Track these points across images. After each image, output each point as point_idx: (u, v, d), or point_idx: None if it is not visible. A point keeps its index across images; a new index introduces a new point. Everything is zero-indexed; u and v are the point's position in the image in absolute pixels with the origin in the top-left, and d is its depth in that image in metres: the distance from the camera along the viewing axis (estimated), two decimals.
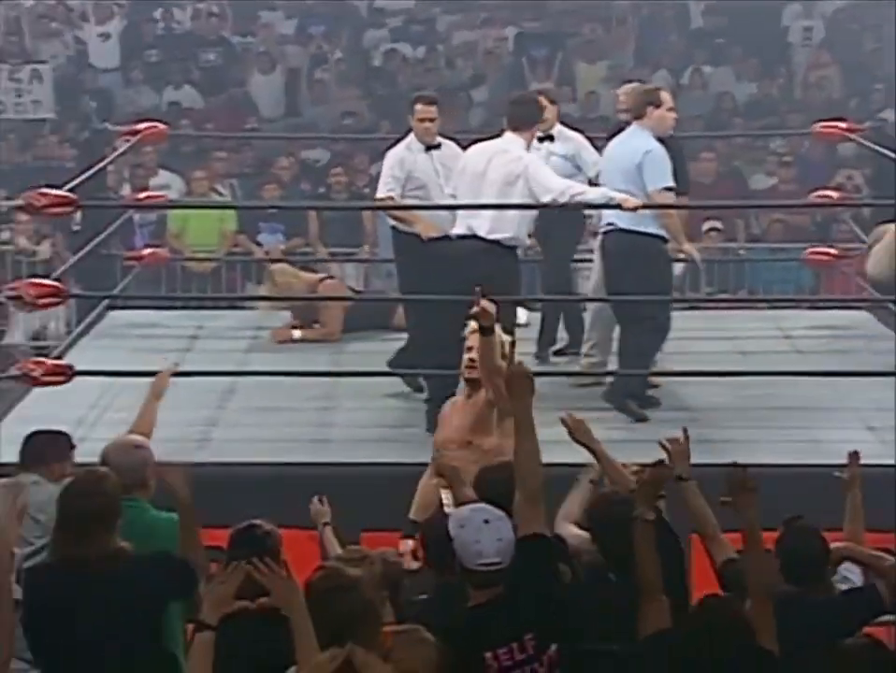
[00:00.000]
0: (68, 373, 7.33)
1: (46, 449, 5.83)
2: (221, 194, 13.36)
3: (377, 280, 12.74)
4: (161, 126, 9.96)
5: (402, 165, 8.06)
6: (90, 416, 7.69)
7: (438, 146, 8.14)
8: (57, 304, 7.76)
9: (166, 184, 13.10)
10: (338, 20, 16.78)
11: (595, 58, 16.12)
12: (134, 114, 13.36)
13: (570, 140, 8.72)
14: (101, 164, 9.26)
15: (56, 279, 7.85)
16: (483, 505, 4.52)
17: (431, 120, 8.12)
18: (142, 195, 10.09)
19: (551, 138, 8.63)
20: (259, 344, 9.30)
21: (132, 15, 16.66)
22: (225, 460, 7.16)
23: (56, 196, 7.43)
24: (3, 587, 4.20)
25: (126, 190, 12.78)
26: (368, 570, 4.47)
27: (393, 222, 8.26)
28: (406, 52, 16.33)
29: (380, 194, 8.21)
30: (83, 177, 8.60)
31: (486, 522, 4.36)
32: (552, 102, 8.69)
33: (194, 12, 16.69)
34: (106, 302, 9.68)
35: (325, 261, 12.17)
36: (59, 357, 8.20)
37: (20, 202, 7.56)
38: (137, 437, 5.66)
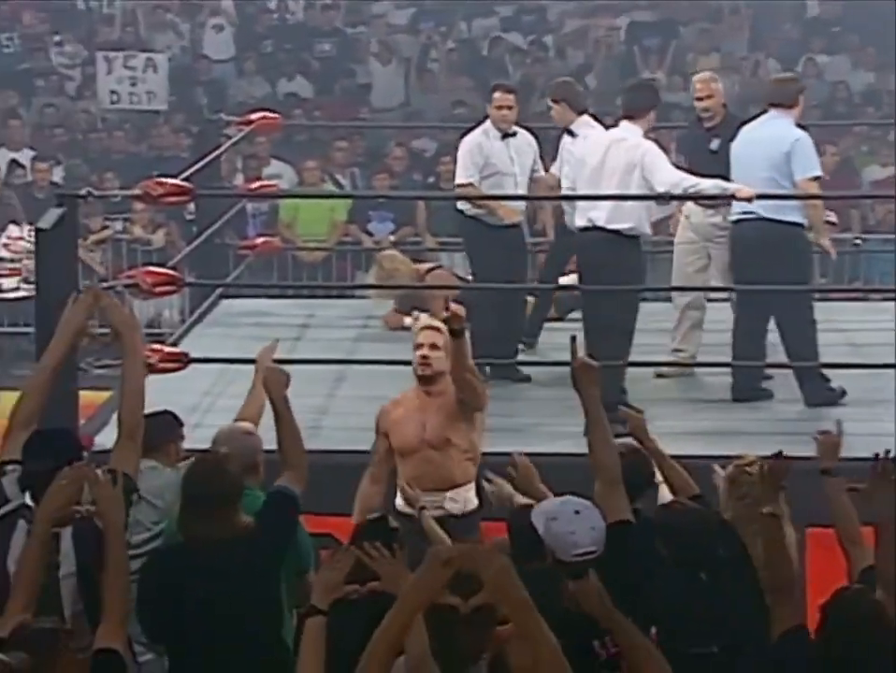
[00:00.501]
0: (183, 360, 7.42)
1: (158, 432, 5.82)
2: (339, 184, 13.44)
3: None
4: (274, 116, 10.04)
5: (480, 151, 8.19)
6: (204, 403, 7.77)
7: (514, 134, 8.28)
8: (173, 292, 7.86)
9: (278, 174, 13.21)
10: (448, 10, 16.81)
11: (708, 48, 15.99)
12: (247, 105, 13.50)
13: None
14: (215, 154, 9.36)
15: (171, 268, 7.97)
16: (567, 497, 4.53)
17: (509, 108, 8.24)
18: (255, 185, 10.17)
19: (571, 133, 8.56)
20: (369, 332, 9.35)
21: (246, 6, 16.82)
22: (335, 448, 7.20)
23: (173, 186, 7.52)
24: (118, 543, 4.26)
25: (239, 179, 12.91)
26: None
27: (464, 207, 8.33)
28: (516, 42, 16.33)
29: (460, 181, 8.33)
30: (198, 166, 8.71)
31: (577, 512, 4.38)
32: (562, 100, 8.52)
33: (307, 3, 16.81)
34: (219, 290, 9.78)
35: (434, 250, 12.20)
36: (174, 344, 8.30)
37: (137, 191, 7.66)
38: (247, 424, 5.72)
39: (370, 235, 12.90)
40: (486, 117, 8.38)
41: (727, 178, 7.77)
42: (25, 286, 12.63)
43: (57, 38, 16.26)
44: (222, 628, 4.61)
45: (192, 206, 10.95)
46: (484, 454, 6.31)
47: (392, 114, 15.42)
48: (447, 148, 13.81)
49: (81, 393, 7.29)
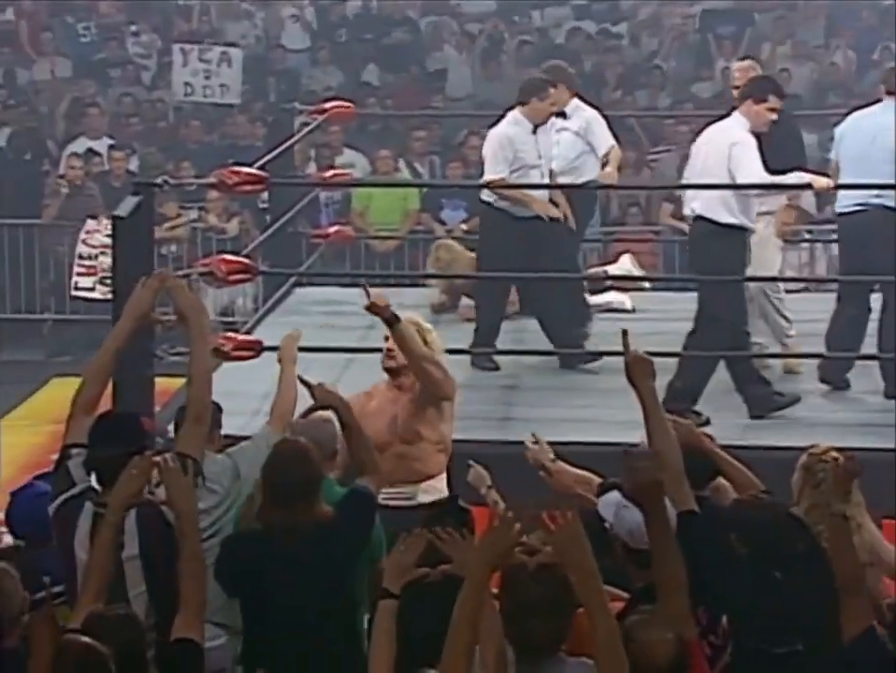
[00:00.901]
0: (257, 348, 7.45)
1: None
2: (418, 173, 13.45)
3: None
4: (348, 105, 10.06)
5: (511, 145, 8.21)
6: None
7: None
8: (247, 280, 7.90)
9: (351, 163, 13.23)
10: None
11: (783, 35, 15.85)
12: (320, 94, 13.54)
13: (583, 116, 8.70)
14: (288, 143, 9.39)
15: (246, 256, 8.00)
16: None
17: (553, 103, 8.31)
18: (328, 174, 10.19)
19: (563, 115, 8.62)
20: (440, 321, 9.35)
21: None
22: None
23: (248, 174, 7.56)
24: (192, 532, 4.28)
25: (312, 168, 12.95)
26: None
27: (490, 199, 8.33)
28: (589, 30, 16.27)
29: (490, 176, 8.25)
30: (272, 155, 8.74)
31: None
32: (559, 82, 8.55)
33: None
34: (292, 279, 9.82)
35: None
36: (248, 332, 8.34)
37: (212, 180, 7.70)
38: (325, 413, 5.73)
39: (443, 223, 12.90)
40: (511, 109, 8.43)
41: (775, 167, 7.66)
42: (100, 287, 12.75)
43: (133, 28, 16.37)
44: (297, 615, 4.64)
45: (265, 194, 11.00)
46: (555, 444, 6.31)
47: (462, 103, 15.40)
48: None
49: (157, 379, 7.33)
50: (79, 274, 12.92)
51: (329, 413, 5.72)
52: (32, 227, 13.09)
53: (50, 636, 3.69)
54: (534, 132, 8.29)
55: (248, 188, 7.64)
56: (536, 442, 5.56)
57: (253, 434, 5.64)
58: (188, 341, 4.93)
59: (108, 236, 12.24)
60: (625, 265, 9.93)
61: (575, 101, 8.75)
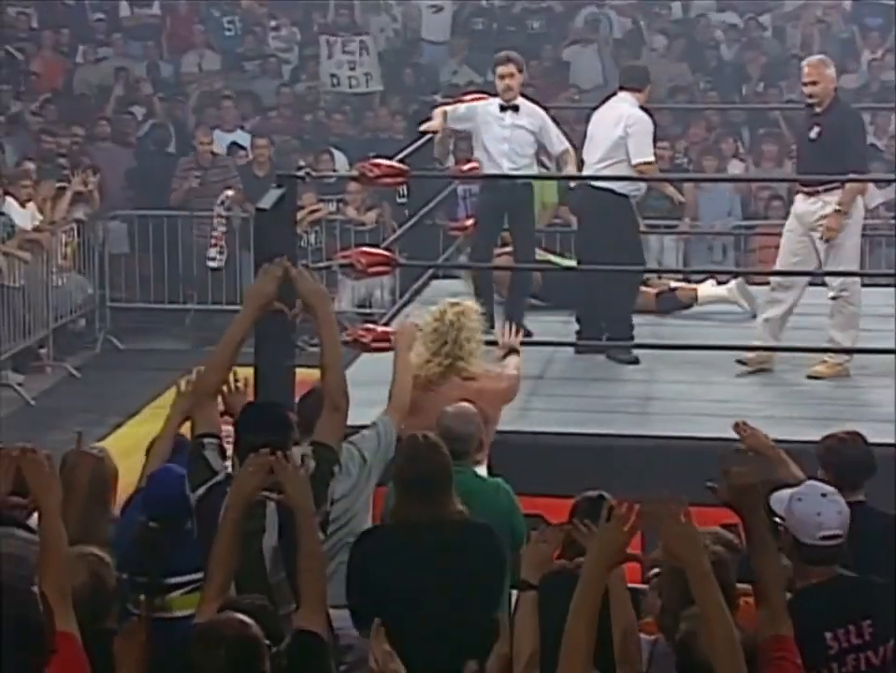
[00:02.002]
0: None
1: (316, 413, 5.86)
2: (546, 167, 13.41)
3: (698, 254, 12.63)
4: (488, 97, 10.05)
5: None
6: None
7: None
8: (387, 272, 7.95)
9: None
10: None
11: None
12: (462, 87, 13.55)
13: (535, 114, 8.65)
14: (428, 136, 9.42)
15: (385, 248, 8.05)
16: (811, 481, 4.44)
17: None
18: (466, 167, 10.19)
19: (516, 109, 8.58)
20: None
21: None
22: (544, 430, 7.22)
23: (389, 167, 7.60)
24: (309, 527, 4.31)
25: (451, 161, 12.97)
26: (727, 551, 4.33)
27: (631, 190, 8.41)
28: (731, 21, 16.12)
29: (648, 158, 8.29)
30: (411, 148, 8.78)
31: (824, 495, 4.29)
32: (519, 70, 8.63)
33: None
34: (430, 271, 9.86)
35: (645, 233, 12.09)
36: (386, 324, 8.39)
37: (354, 172, 7.75)
38: (471, 406, 5.73)
39: None
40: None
41: (823, 169, 7.71)
42: (219, 257, 13.01)
43: (273, 23, 16.55)
44: (430, 606, 4.62)
45: (403, 187, 11.05)
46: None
47: (595, 94, 15.33)
48: (662, 131, 13.71)
49: (298, 370, 7.40)
50: (212, 246, 13.15)
51: (473, 407, 5.74)
52: (175, 218, 13.30)
53: (142, 632, 3.77)
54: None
55: (388, 180, 7.69)
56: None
57: (372, 421, 5.64)
58: (315, 329, 4.87)
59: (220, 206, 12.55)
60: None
61: (521, 99, 8.73)
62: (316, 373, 7.69)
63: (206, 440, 4.76)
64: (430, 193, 10.03)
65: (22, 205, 12.27)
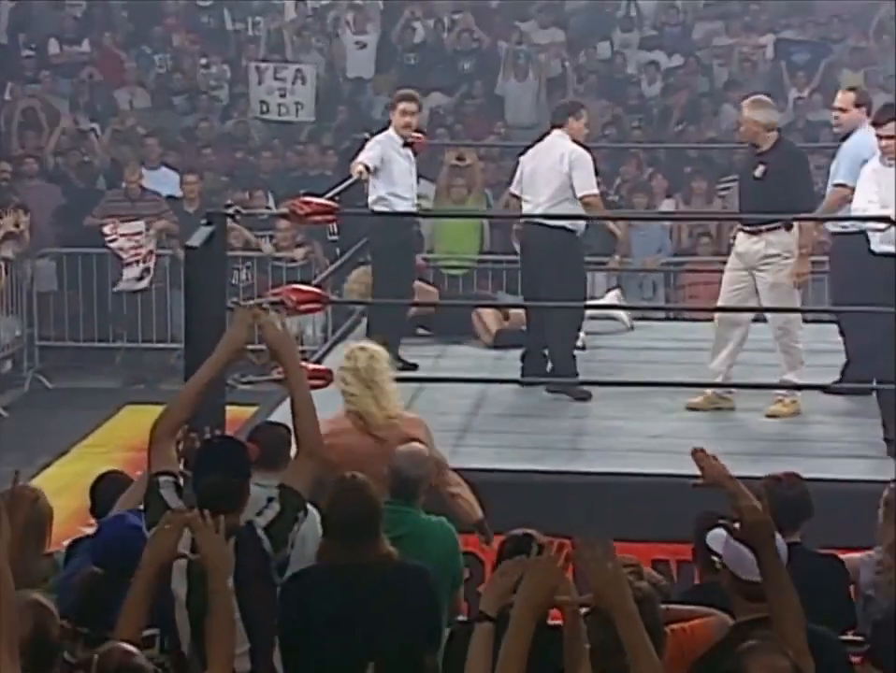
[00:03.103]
0: (328, 378, 7.46)
1: (278, 446, 5.76)
2: (489, 202, 13.46)
3: (629, 290, 12.69)
4: (421, 136, 10.08)
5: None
6: None
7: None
8: (318, 310, 7.93)
9: (424, 194, 13.25)
10: (593, 26, 16.80)
11: (859, 65, 15.77)
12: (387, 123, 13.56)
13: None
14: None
15: (316, 286, 8.04)
16: None
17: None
18: None
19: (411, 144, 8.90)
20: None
21: (386, 24, 16.95)
22: (477, 466, 7.21)
23: (319, 205, 7.60)
24: (222, 588, 4.28)
25: None
26: (650, 586, 4.35)
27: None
28: (660, 60, 16.27)
29: (591, 192, 8.43)
30: (343, 186, 8.78)
31: None
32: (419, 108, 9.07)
33: (450, 23, 16.89)
34: (361, 308, 9.85)
35: None
36: (318, 362, 8.37)
37: (284, 210, 7.74)
38: (423, 448, 5.72)
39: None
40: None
41: (767, 208, 7.78)
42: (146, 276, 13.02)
43: (203, 61, 16.51)
44: (364, 652, 4.58)
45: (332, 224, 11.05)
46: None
47: (526, 132, 15.41)
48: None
49: (228, 407, 7.37)
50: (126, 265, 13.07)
51: (425, 448, 5.71)
52: (104, 255, 13.21)
53: None
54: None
55: (318, 218, 7.68)
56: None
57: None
58: (284, 376, 4.84)
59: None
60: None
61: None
62: (246, 411, 7.72)
63: (162, 478, 4.72)
64: (361, 230, 10.03)
65: None
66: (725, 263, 13.10)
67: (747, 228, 8.01)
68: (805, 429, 7.83)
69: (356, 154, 8.99)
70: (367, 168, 8.62)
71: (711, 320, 8.56)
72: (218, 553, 4.27)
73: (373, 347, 6.34)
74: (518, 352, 8.62)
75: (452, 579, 5.15)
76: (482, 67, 16.36)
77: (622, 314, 9.70)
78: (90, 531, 5.28)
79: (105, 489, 5.49)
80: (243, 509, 4.64)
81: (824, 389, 8.13)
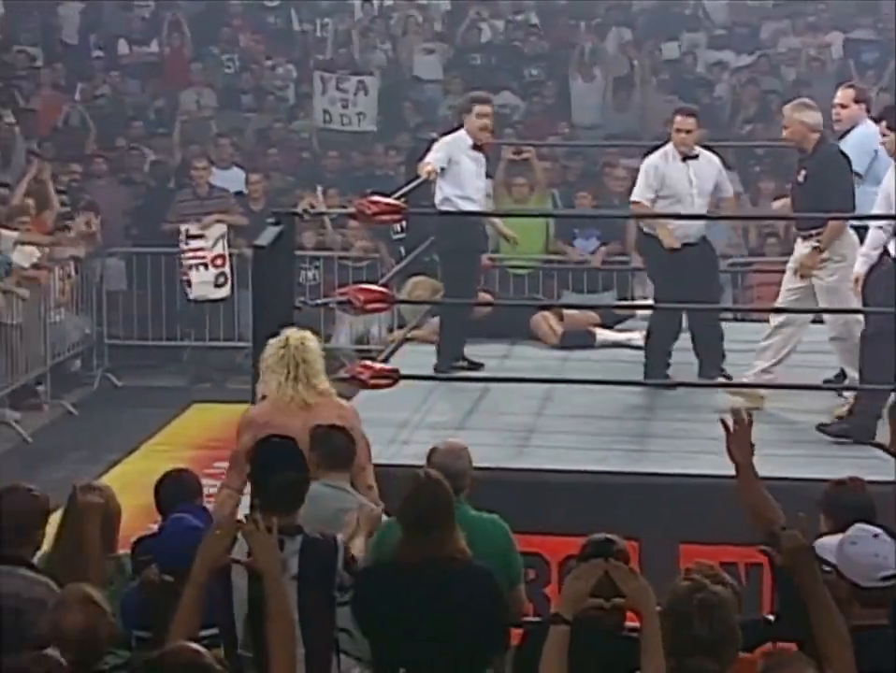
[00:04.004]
0: (395, 377, 7.50)
1: (345, 447, 5.81)
2: (555, 201, 13.43)
3: None
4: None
5: (656, 173, 8.46)
6: (413, 419, 7.85)
7: (695, 156, 8.47)
8: (384, 309, 7.97)
9: (487, 192, 13.24)
10: (661, 26, 16.75)
11: None
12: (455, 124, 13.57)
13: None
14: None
15: (382, 285, 8.07)
16: (858, 524, 4.41)
17: (688, 131, 8.47)
18: None
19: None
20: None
21: (452, 25, 16.96)
22: (541, 467, 7.22)
23: (386, 204, 7.63)
24: (277, 590, 4.29)
25: None
26: (729, 590, 4.30)
27: (646, 228, 8.62)
28: (728, 59, 16.20)
29: (634, 198, 8.62)
30: (410, 186, 8.81)
31: (876, 535, 4.27)
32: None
33: (517, 22, 16.90)
34: (428, 307, 9.87)
35: (639, 269, 12.12)
36: (384, 361, 8.40)
37: (351, 209, 7.77)
38: (461, 442, 5.75)
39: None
40: (668, 140, 8.67)
41: (812, 209, 7.86)
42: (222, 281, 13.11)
43: (269, 63, 16.60)
44: (432, 648, 4.62)
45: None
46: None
47: (590, 132, 15.38)
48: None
49: None
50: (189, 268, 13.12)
51: (464, 443, 5.74)
52: (172, 255, 13.31)
53: None
54: (683, 161, 8.48)
55: (386, 217, 7.71)
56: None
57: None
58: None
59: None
60: None
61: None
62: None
63: None
64: (427, 229, 10.05)
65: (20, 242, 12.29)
66: None
67: (801, 233, 8.07)
68: None
69: (423, 155, 9.00)
70: (435, 170, 8.63)
71: None
72: (269, 557, 4.29)
73: (304, 332, 6.44)
74: (583, 353, 8.62)
75: (506, 577, 5.14)
76: (549, 67, 16.35)
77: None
78: (156, 528, 5.33)
79: (170, 487, 5.52)
80: (300, 510, 4.68)
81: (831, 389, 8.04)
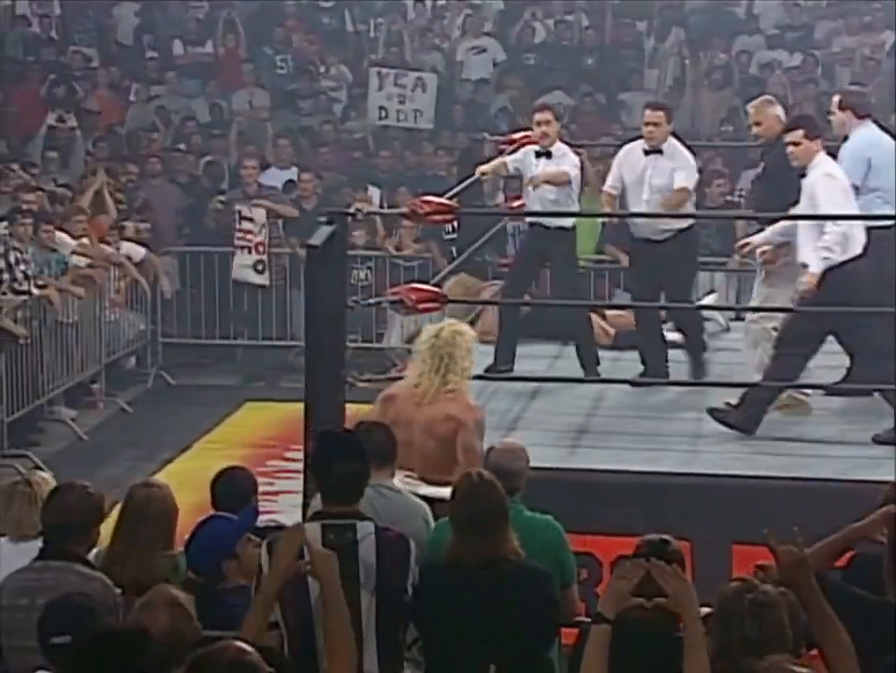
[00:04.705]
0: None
1: (387, 446, 5.76)
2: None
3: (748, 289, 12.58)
4: (528, 136, 10.09)
5: (618, 164, 8.57)
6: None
7: (659, 151, 8.41)
8: (436, 309, 7.98)
9: None
10: (714, 26, 16.69)
11: None
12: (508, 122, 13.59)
13: (566, 161, 8.72)
14: (476, 176, 9.46)
15: (435, 285, 8.09)
16: None
17: (655, 125, 8.45)
18: (516, 203, 10.23)
19: (549, 155, 8.71)
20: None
21: (505, 24, 16.95)
22: (596, 467, 7.22)
23: (439, 204, 7.66)
24: (336, 595, 4.33)
25: (500, 198, 13.01)
26: (783, 591, 4.27)
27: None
28: (782, 59, 16.12)
29: (604, 188, 8.68)
30: (462, 185, 8.84)
31: None
32: (556, 118, 8.81)
33: (570, 22, 16.89)
34: (478, 308, 9.89)
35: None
36: None
37: (405, 209, 7.80)
38: (517, 442, 5.77)
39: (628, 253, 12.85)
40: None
41: (768, 201, 7.91)
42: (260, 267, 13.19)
43: (324, 62, 16.64)
44: (482, 647, 4.64)
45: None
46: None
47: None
48: (713, 165, 13.66)
49: (348, 405, 7.45)
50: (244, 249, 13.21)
51: (520, 444, 5.76)
52: (225, 254, 13.39)
53: None
54: (646, 154, 8.46)
55: (438, 217, 7.73)
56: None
57: None
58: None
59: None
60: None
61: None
62: (365, 407, 7.79)
63: None
64: (479, 230, 10.07)
65: (76, 240, 12.39)
66: None
67: (761, 226, 8.18)
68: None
69: (481, 157, 9.05)
70: (505, 167, 8.70)
71: None
72: (325, 562, 4.31)
73: (461, 326, 6.59)
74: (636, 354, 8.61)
75: (559, 577, 5.16)
76: (603, 67, 16.32)
77: (718, 315, 9.66)
78: None
79: (226, 485, 5.57)
80: (360, 501, 4.71)
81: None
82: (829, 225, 7.37)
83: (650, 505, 6.64)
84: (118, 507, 5.29)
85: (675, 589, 4.12)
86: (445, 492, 5.64)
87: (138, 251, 13.02)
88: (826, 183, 7.45)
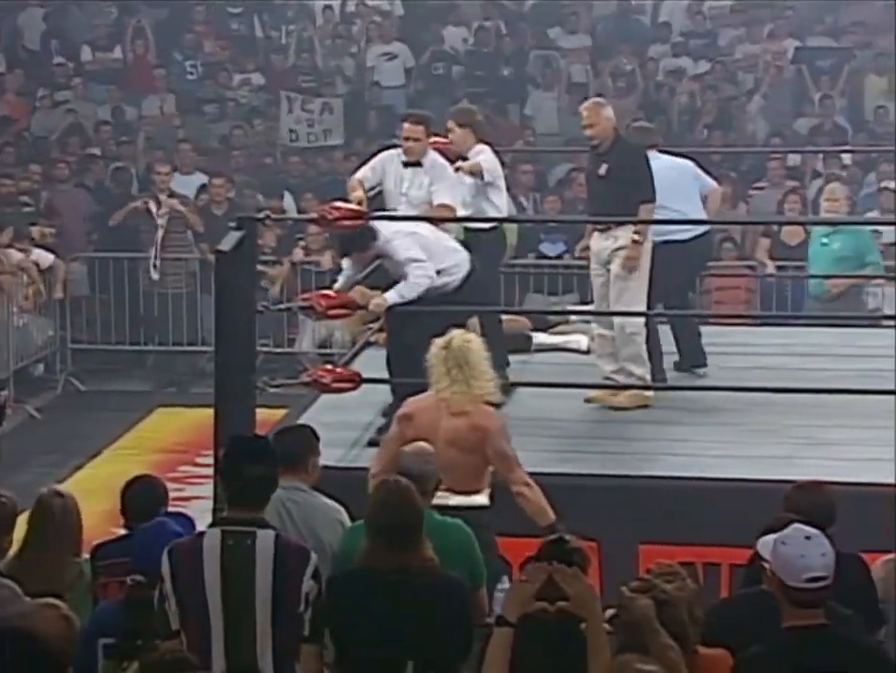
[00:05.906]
0: (357, 380, 7.56)
1: (299, 447, 5.76)
2: (523, 207, 13.52)
3: None
4: (446, 141, 10.15)
5: (379, 169, 8.44)
6: (377, 422, 7.89)
7: (417, 164, 8.35)
8: (347, 315, 8.01)
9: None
10: (620, 32, 16.86)
11: (883, 71, 15.79)
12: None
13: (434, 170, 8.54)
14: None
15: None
16: (796, 524, 4.44)
17: (416, 140, 8.35)
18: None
19: (419, 165, 8.46)
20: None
21: (410, 37, 17.03)
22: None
23: (348, 210, 7.70)
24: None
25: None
26: (681, 588, 4.39)
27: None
28: (686, 67, 16.32)
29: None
30: (372, 192, 8.86)
31: (808, 538, 4.30)
32: (427, 133, 8.49)
33: (479, 30, 16.99)
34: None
35: None
36: (346, 365, 8.46)
37: (313, 214, 7.82)
38: (429, 446, 5.81)
39: (546, 257, 12.99)
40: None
41: (615, 202, 8.02)
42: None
43: (235, 67, 16.64)
44: (398, 658, 4.65)
45: None
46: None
47: (550, 139, 15.48)
48: None
49: (258, 410, 7.47)
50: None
51: (431, 448, 5.81)
52: (135, 260, 13.35)
53: None
54: (405, 167, 8.39)
55: (348, 223, 7.77)
56: None
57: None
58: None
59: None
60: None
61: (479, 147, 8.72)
62: (276, 413, 7.80)
63: None
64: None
65: None
66: (750, 267, 13.21)
67: (598, 227, 8.23)
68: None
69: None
70: (362, 186, 8.41)
71: (739, 324, 8.62)
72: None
73: (469, 333, 6.61)
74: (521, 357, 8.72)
75: (470, 580, 5.19)
76: (512, 75, 16.43)
77: (581, 339, 9.43)
78: (121, 533, 5.38)
79: (136, 492, 5.54)
80: (265, 507, 4.68)
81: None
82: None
83: (558, 505, 6.71)
84: (24, 514, 5.29)
85: (577, 592, 4.16)
86: (476, 499, 6.09)
87: (47, 258, 12.97)
88: None
